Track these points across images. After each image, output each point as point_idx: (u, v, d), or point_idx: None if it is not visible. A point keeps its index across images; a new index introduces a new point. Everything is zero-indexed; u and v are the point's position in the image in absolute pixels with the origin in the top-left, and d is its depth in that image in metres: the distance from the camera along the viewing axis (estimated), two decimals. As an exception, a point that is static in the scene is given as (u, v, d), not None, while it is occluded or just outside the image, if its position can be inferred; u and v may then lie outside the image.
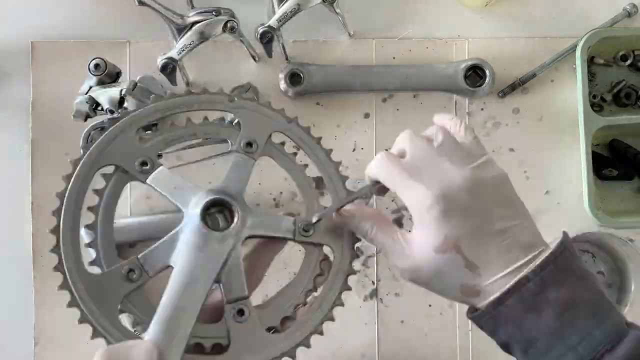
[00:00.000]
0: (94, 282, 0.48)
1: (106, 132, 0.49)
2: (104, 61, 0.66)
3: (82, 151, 0.49)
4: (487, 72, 0.73)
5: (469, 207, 0.46)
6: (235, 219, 0.48)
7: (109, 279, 0.48)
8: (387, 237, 0.48)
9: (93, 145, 0.49)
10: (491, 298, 0.45)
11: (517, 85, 0.74)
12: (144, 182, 0.49)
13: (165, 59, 0.68)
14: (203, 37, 0.67)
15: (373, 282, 0.74)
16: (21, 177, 0.73)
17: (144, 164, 0.49)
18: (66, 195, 0.49)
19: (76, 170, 0.49)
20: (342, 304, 0.50)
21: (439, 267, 0.45)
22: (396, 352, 0.74)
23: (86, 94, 0.66)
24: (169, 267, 0.47)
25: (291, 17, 0.70)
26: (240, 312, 0.48)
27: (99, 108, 0.66)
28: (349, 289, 0.51)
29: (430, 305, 0.74)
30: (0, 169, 0.74)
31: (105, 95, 0.65)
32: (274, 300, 0.50)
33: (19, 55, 0.73)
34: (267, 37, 0.70)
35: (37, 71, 0.73)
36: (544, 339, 0.44)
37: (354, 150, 0.75)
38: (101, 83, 0.66)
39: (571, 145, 0.73)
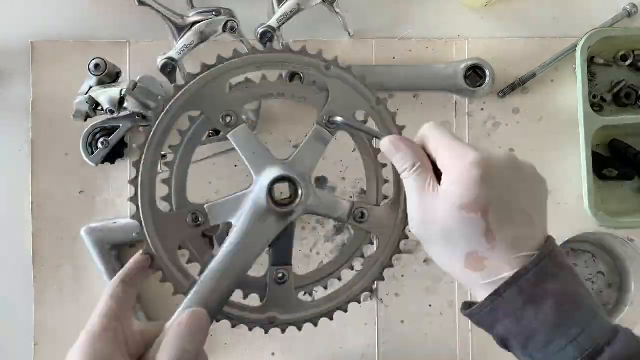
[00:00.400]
0: (162, 218, 0.51)
1: (199, 76, 0.51)
2: (104, 61, 0.66)
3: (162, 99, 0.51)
4: (487, 72, 0.73)
5: (506, 181, 0.46)
6: (299, 198, 0.51)
7: (176, 219, 0.51)
8: (421, 181, 0.48)
9: (185, 87, 0.51)
10: (487, 293, 0.45)
11: (517, 85, 0.74)
12: (225, 135, 0.52)
13: (165, 59, 0.68)
14: (203, 37, 0.67)
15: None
16: (21, 177, 0.73)
17: (228, 116, 0.52)
18: (152, 131, 0.51)
19: (165, 109, 0.51)
20: (370, 290, 0.55)
21: (457, 225, 0.45)
22: (396, 352, 0.74)
23: (86, 94, 0.66)
24: (229, 224, 0.51)
25: (291, 17, 0.70)
26: (282, 277, 0.54)
27: (99, 108, 0.66)
28: (382, 279, 0.55)
29: (430, 305, 0.74)
30: (0, 169, 0.74)
31: (105, 95, 0.65)
32: (315, 272, 0.56)
33: (19, 55, 0.73)
34: (267, 37, 0.70)
35: (37, 71, 0.73)
36: (544, 331, 0.43)
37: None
38: (101, 83, 0.66)
39: (571, 145, 0.73)
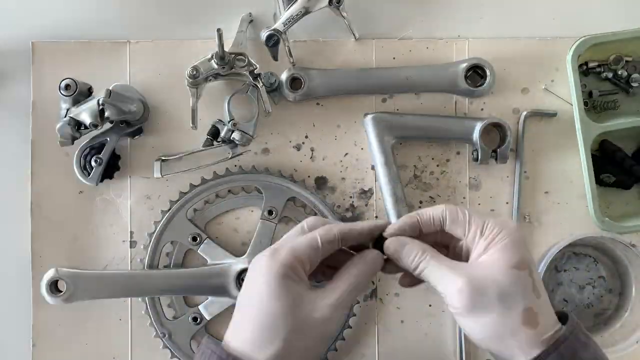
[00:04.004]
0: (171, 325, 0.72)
1: (165, 216, 0.71)
2: (74, 80, 0.66)
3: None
4: (488, 72, 0.73)
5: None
6: None
7: (179, 324, 0.72)
8: (442, 263, 0.51)
9: (157, 229, 0.71)
10: (531, 356, 0.47)
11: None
12: (196, 251, 0.72)
13: (271, 30, 0.69)
14: (308, 9, 0.70)
15: (373, 282, 0.74)
16: (21, 177, 0.73)
17: (194, 239, 0.72)
18: (146, 258, 0.72)
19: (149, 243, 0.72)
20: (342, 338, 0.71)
21: (511, 282, 0.48)
22: (396, 352, 0.74)
23: (65, 117, 0.67)
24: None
25: (297, 20, 0.70)
26: None
27: (82, 127, 0.67)
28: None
29: (430, 305, 0.74)
30: (0, 169, 0.74)
31: (85, 111, 0.66)
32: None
33: (19, 55, 0.73)
34: (273, 40, 0.70)
35: (38, 71, 0.73)
36: None
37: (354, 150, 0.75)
38: (76, 102, 0.67)
39: (571, 145, 0.73)
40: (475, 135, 0.72)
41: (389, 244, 0.53)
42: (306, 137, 0.75)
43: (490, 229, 0.51)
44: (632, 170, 0.74)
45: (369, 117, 0.73)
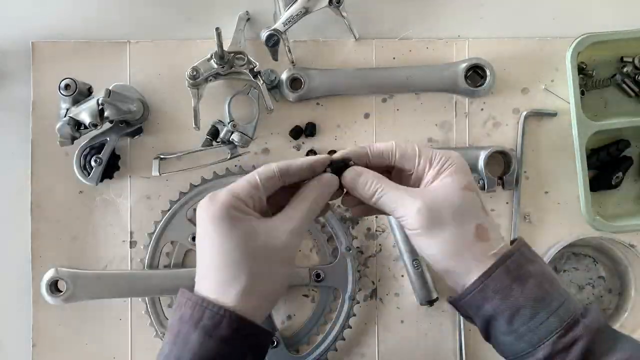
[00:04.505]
0: None
1: (165, 216, 0.72)
2: (73, 80, 0.66)
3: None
4: (488, 72, 0.73)
5: None
6: None
7: None
8: (398, 189, 0.54)
9: (157, 229, 0.71)
10: (479, 272, 0.50)
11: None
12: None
13: (271, 30, 0.69)
14: (308, 9, 0.70)
15: (373, 282, 0.74)
16: (21, 177, 0.73)
17: (194, 239, 0.68)
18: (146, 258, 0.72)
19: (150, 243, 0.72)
20: (343, 338, 0.73)
21: (464, 201, 0.52)
22: (396, 352, 0.74)
23: (64, 117, 0.67)
24: None
25: (297, 21, 0.70)
26: (272, 342, 0.70)
27: (82, 127, 0.67)
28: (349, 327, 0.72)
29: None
30: (0, 169, 0.74)
31: (85, 111, 0.66)
32: (298, 331, 0.73)
33: (19, 56, 0.73)
34: (273, 40, 0.70)
35: (38, 71, 0.73)
36: (529, 306, 0.49)
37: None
38: (76, 102, 0.67)
39: (571, 145, 0.73)
40: (480, 164, 0.73)
41: (346, 174, 0.55)
42: (306, 137, 0.75)
43: (437, 159, 0.54)
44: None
45: None
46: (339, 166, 0.55)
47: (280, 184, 0.54)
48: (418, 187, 0.54)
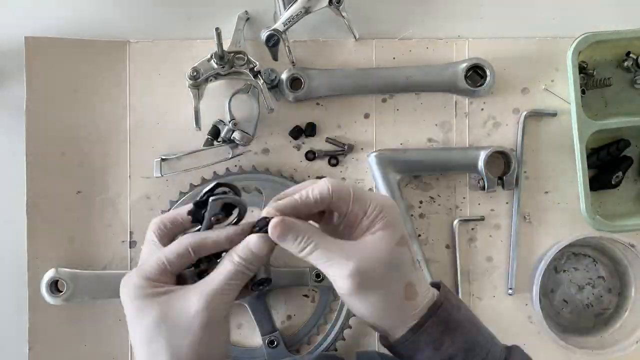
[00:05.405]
0: None
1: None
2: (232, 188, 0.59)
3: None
4: (488, 72, 0.73)
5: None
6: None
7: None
8: (330, 248, 0.50)
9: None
10: (407, 327, 0.51)
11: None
12: None
13: (271, 30, 0.69)
14: (308, 9, 0.70)
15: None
16: (17, 176, 0.72)
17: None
18: None
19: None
20: (343, 338, 0.73)
21: (398, 258, 0.51)
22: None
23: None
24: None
25: (297, 21, 0.70)
26: (273, 342, 0.70)
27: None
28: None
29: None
30: (-2, 169, 0.73)
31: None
32: (297, 331, 0.72)
33: (16, 54, 0.72)
34: (273, 40, 0.70)
35: (31, 68, 0.72)
36: (460, 356, 0.51)
37: (353, 150, 0.75)
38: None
39: (571, 146, 0.73)
40: (480, 164, 0.73)
41: (273, 229, 0.50)
42: (306, 137, 0.74)
43: (372, 208, 0.51)
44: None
45: (373, 155, 0.73)
46: (265, 225, 0.51)
47: (194, 259, 0.52)
48: (350, 235, 0.52)
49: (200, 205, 0.52)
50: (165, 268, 0.51)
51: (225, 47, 0.69)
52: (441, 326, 0.51)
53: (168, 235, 0.54)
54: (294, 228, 0.50)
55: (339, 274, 0.49)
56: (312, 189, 0.51)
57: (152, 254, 0.52)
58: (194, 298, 0.49)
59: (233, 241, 0.51)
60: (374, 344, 0.74)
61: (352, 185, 0.52)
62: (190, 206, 0.52)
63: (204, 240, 0.51)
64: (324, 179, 0.52)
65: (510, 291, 0.74)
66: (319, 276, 0.71)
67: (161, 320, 0.49)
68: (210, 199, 0.51)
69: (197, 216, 0.52)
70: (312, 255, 0.50)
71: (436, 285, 0.55)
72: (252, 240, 0.51)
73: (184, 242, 0.51)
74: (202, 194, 0.51)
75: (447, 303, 0.52)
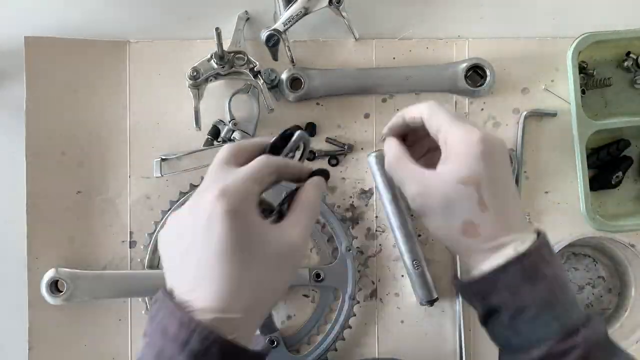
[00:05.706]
0: None
1: (165, 216, 0.69)
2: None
3: None
4: (488, 72, 0.73)
5: (501, 159, 0.53)
6: None
7: None
8: (407, 166, 0.56)
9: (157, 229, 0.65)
10: (494, 263, 0.50)
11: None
12: None
13: (271, 30, 0.69)
14: (308, 10, 0.70)
15: (373, 282, 0.74)
16: (16, 176, 0.72)
17: None
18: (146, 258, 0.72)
19: None
20: (343, 338, 0.72)
21: (455, 195, 0.51)
22: (396, 352, 0.74)
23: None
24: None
25: (297, 21, 0.70)
26: (273, 342, 0.71)
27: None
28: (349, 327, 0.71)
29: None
30: (-2, 168, 0.73)
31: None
32: (298, 331, 0.73)
33: (15, 54, 0.72)
34: (273, 40, 0.70)
35: (31, 68, 0.72)
36: (535, 307, 0.50)
37: (353, 150, 0.75)
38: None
39: (571, 145, 0.73)
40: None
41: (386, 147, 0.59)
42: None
43: (452, 138, 0.53)
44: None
45: (373, 155, 0.73)
46: (320, 173, 0.55)
47: (274, 181, 0.51)
48: (433, 161, 0.55)
49: (281, 140, 0.55)
50: (260, 181, 0.48)
51: (225, 47, 0.69)
52: (525, 275, 0.50)
53: (246, 158, 0.52)
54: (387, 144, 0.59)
55: (408, 195, 0.55)
56: (409, 110, 0.58)
57: (230, 173, 0.49)
58: (293, 235, 0.48)
59: (302, 175, 0.54)
60: (374, 344, 0.74)
61: (447, 114, 0.55)
62: (276, 137, 0.55)
63: (287, 163, 0.53)
64: (428, 102, 0.57)
65: (510, 291, 0.74)
66: (319, 276, 0.71)
67: (260, 252, 0.46)
68: (298, 132, 0.55)
69: (274, 150, 0.55)
70: (391, 172, 0.58)
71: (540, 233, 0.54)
72: (318, 180, 0.54)
73: (270, 160, 0.51)
74: (282, 132, 0.55)
75: (538, 255, 0.51)
